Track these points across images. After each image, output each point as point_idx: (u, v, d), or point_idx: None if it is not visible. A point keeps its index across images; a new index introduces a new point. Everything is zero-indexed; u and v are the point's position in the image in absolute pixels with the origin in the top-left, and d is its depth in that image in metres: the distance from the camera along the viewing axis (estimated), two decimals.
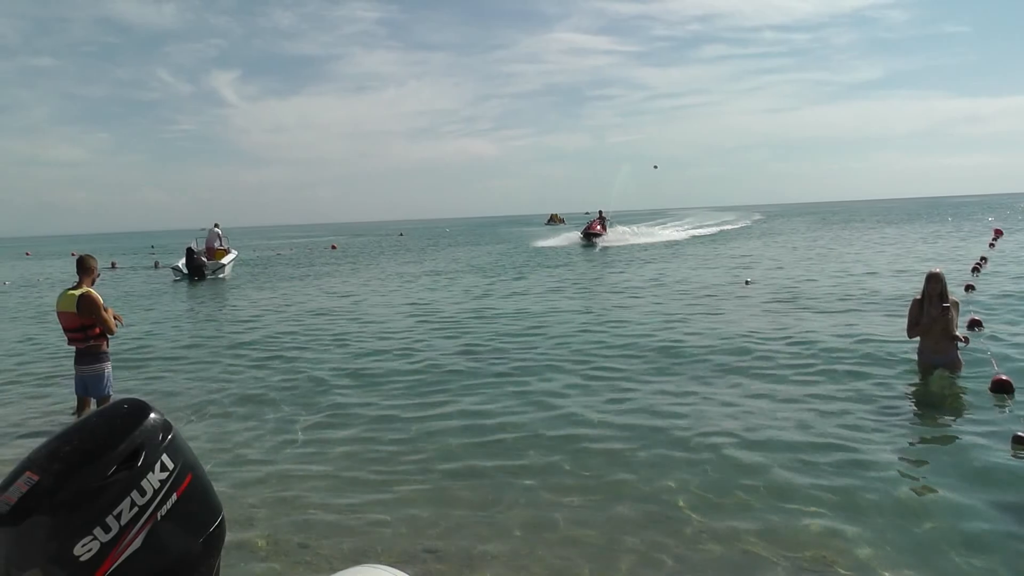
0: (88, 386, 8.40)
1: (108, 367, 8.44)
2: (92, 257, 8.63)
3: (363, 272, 31.95)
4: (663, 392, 8.65)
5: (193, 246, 31.92)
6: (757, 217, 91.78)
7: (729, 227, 60.70)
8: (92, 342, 8.29)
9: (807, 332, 11.97)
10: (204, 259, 31.35)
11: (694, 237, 47.84)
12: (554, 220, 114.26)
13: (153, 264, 43.86)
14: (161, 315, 19.04)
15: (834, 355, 10.14)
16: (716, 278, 21.00)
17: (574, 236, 46.98)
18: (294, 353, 12.29)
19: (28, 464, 2.07)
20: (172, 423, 2.24)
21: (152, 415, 2.22)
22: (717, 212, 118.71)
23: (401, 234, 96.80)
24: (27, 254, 79.65)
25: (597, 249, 39.58)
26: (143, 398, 2.30)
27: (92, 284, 8.46)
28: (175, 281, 30.66)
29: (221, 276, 31.55)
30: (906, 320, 8.80)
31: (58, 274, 39.50)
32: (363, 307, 18.66)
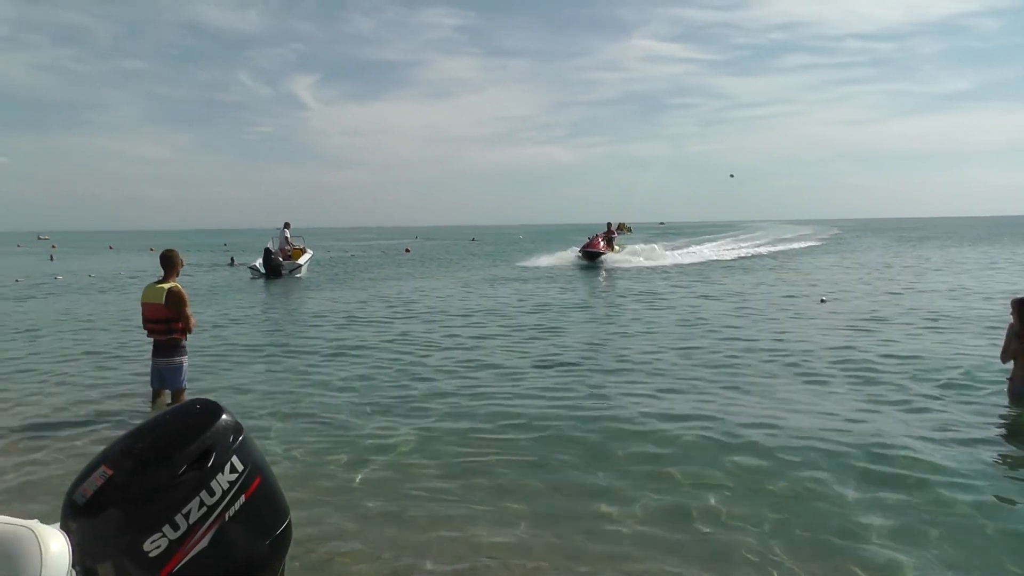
0: (165, 378, 8.59)
1: (185, 360, 8.65)
2: (177, 252, 8.83)
3: (430, 276, 32.02)
4: (730, 400, 8.45)
5: (271, 246, 32.48)
6: (834, 232, 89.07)
7: (800, 244, 54.01)
8: (173, 335, 8.51)
9: (885, 354, 11.55)
10: (281, 259, 31.88)
11: (769, 253, 43.58)
12: (621, 229, 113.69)
13: (229, 261, 44.80)
14: (238, 311, 19.51)
15: (915, 378, 9.76)
16: (778, 307, 20.24)
17: (570, 255, 37.99)
18: (365, 354, 12.41)
19: (103, 458, 2.13)
20: (243, 425, 2.27)
21: (224, 416, 2.27)
22: (793, 226, 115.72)
23: (473, 239, 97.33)
24: (110, 247, 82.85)
25: (602, 273, 31.33)
26: (215, 399, 2.34)
27: (177, 278, 8.69)
28: (252, 279, 31.30)
29: (298, 276, 32.07)
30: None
31: (139, 269, 40.72)
32: (429, 309, 18.75)
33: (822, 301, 19.02)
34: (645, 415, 8.18)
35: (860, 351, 11.80)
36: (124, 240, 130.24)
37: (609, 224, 39.64)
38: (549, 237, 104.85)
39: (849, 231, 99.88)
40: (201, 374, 10.70)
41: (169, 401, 8.56)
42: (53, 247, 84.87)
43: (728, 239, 59.87)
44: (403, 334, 14.60)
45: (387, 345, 13.29)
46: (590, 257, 35.25)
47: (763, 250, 46.26)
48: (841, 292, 21.26)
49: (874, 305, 17.96)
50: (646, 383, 9.85)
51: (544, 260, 38.40)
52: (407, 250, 62.38)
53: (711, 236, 67.81)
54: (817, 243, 57.96)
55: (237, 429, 2.24)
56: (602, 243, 36.36)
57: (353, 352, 12.61)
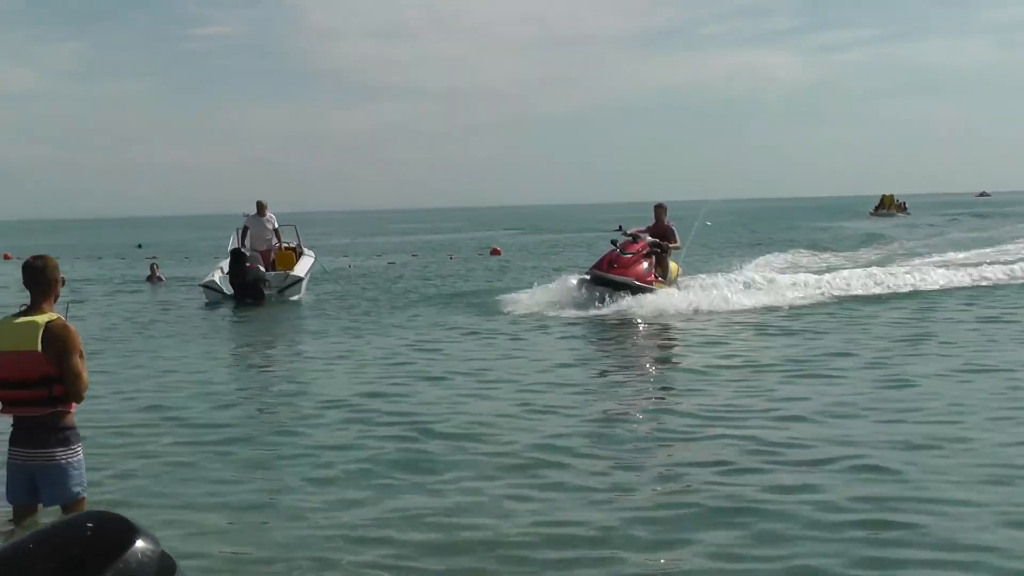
0: (40, 485, 8.76)
1: (79, 452, 8.79)
2: (51, 260, 8.95)
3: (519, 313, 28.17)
4: None
5: (238, 244, 32.96)
6: None
7: None
8: (58, 407, 8.59)
9: None
10: (262, 268, 32.30)
11: None
12: (887, 206, 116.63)
13: (148, 273, 44.58)
14: (174, 371, 19.38)
15: None
16: None
17: (564, 287, 29.11)
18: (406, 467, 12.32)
19: None
20: (175, 560, 2.19)
21: (140, 543, 2.19)
22: None
23: (619, 227, 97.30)
24: None
25: (635, 332, 24.81)
26: (127, 514, 2.28)
27: (55, 305, 8.82)
28: (206, 305, 31.66)
29: (294, 298, 32.60)
30: None
31: None
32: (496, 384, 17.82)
33: None
34: None
35: None
36: None
37: (660, 209, 30.35)
38: (752, 223, 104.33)
39: None
40: (102, 475, 10.95)
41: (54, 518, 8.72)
42: None
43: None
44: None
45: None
46: (604, 285, 27.25)
47: None
48: None
49: None
50: None
51: (524, 298, 29.71)
52: (495, 251, 62.44)
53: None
54: None
55: (165, 565, 2.17)
56: (643, 261, 28.13)
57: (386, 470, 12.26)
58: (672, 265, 29.47)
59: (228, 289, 32.03)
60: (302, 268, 34.08)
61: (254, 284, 31.38)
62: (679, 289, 28.36)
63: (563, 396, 16.11)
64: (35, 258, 8.86)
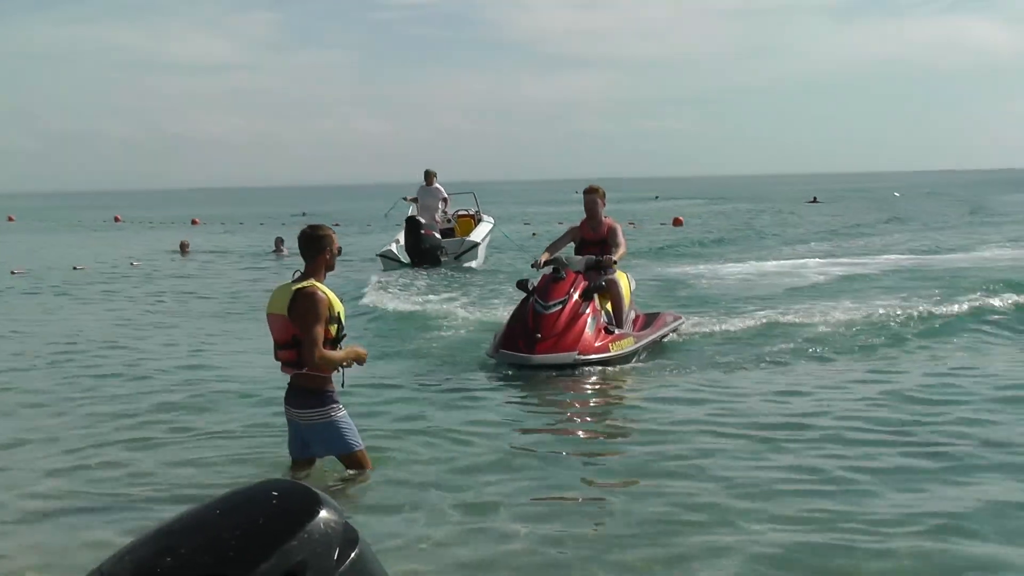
0: (308, 441, 9.44)
1: (336, 412, 9.33)
2: (325, 229, 9.43)
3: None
4: None
5: (416, 212, 32.85)
6: None
7: None
8: (307, 369, 9.14)
9: None
10: (438, 236, 32.43)
11: None
12: None
13: (273, 246, 43.32)
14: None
15: None
16: None
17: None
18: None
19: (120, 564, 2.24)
20: (359, 531, 2.27)
21: (324, 513, 2.28)
22: None
23: (815, 199, 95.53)
24: (116, 219, 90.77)
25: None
26: (313, 485, 2.37)
27: (327, 272, 9.31)
28: (382, 273, 31.05)
29: (470, 264, 32.74)
30: None
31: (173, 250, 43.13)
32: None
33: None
34: None
35: None
36: (151, 205, 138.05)
37: (592, 195, 17.58)
38: (976, 194, 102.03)
39: None
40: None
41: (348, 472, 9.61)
42: (10, 219, 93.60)
43: None
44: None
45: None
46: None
47: None
48: None
49: None
50: None
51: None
52: (678, 221, 60.42)
53: None
54: None
55: (348, 538, 2.28)
56: (583, 311, 15.91)
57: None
58: (623, 282, 17.22)
59: (405, 258, 32.09)
60: (479, 234, 34.02)
61: (431, 251, 31.68)
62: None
63: None
64: (310, 227, 9.47)
